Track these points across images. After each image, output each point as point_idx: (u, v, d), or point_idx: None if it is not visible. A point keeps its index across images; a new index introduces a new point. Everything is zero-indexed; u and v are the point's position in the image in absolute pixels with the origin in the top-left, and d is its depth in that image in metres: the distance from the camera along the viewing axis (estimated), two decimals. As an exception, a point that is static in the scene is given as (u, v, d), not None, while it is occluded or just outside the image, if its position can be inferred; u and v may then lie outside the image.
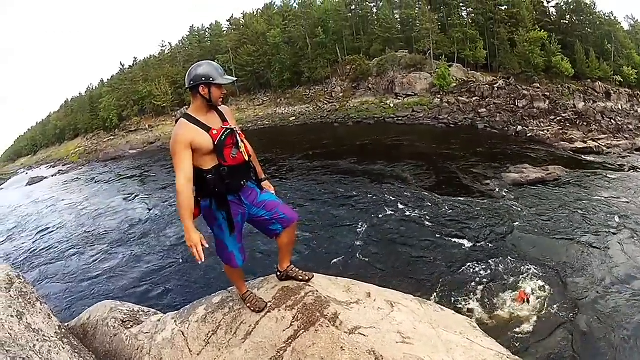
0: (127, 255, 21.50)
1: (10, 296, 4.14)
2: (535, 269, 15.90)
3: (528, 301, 13.49)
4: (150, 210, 29.35)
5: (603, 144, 38.45)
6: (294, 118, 65.38)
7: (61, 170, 65.36)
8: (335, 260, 17.68)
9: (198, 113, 3.73)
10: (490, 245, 18.27)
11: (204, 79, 3.62)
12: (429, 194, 25.34)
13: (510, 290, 14.61)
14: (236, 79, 3.29)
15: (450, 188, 26.60)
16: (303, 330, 3.88)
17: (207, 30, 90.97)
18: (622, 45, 64.89)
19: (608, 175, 29.04)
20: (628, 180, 28.74)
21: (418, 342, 3.91)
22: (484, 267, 16.42)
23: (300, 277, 4.51)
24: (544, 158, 33.74)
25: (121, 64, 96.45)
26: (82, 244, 24.57)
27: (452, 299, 14.37)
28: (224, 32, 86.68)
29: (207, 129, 3.65)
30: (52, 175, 62.04)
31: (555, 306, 13.73)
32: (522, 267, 16.15)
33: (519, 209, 22.45)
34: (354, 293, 4.60)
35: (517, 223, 20.49)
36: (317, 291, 4.33)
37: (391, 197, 24.90)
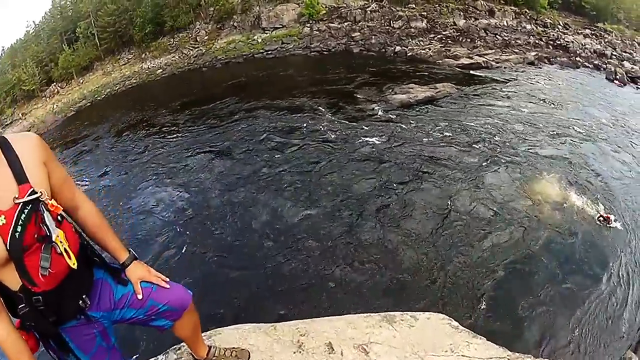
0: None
1: None
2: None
3: (608, 221, 13.51)
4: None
5: (491, 59, 36.72)
6: (160, 70, 61.52)
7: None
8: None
9: None
10: (394, 173, 16.89)
11: None
12: (314, 125, 23.07)
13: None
14: None
15: (335, 116, 24.24)
16: None
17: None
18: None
19: (503, 89, 28.91)
20: (525, 88, 28.87)
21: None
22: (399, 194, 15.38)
23: None
24: (430, 77, 31.82)
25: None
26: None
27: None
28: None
29: None
30: None
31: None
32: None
33: (410, 128, 21.47)
34: (311, 350, 3.46)
35: (408, 143, 19.52)
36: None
37: (272, 139, 21.90)
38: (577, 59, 39.51)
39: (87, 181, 22.96)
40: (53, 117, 53.27)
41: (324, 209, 14.74)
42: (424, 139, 19.82)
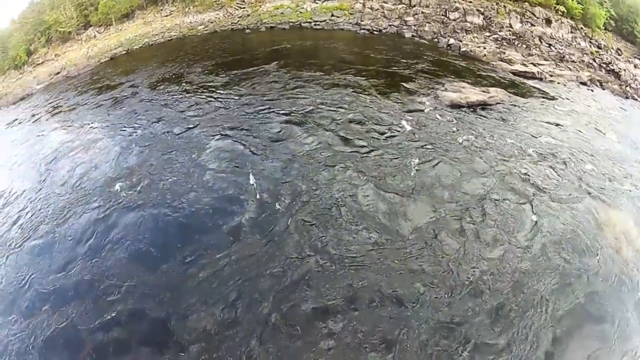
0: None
1: None
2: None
3: None
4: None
5: (546, 71, 35.26)
6: (202, 27, 60.02)
7: (-29, 129, 58.28)
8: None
9: None
10: (439, 181, 16.68)
11: None
12: (372, 110, 22.74)
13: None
14: None
15: (392, 104, 23.68)
16: None
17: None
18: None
19: (556, 107, 27.35)
20: (579, 110, 27.55)
21: None
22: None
23: None
24: (483, 78, 30.70)
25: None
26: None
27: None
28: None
29: None
30: (-37, 138, 54.88)
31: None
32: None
33: (476, 130, 21.24)
34: None
35: (485, 149, 19.36)
36: None
37: (334, 117, 21.72)
38: (628, 88, 38.10)
39: (140, 126, 22.94)
40: (86, 61, 53.19)
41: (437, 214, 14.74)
42: (496, 147, 19.52)
